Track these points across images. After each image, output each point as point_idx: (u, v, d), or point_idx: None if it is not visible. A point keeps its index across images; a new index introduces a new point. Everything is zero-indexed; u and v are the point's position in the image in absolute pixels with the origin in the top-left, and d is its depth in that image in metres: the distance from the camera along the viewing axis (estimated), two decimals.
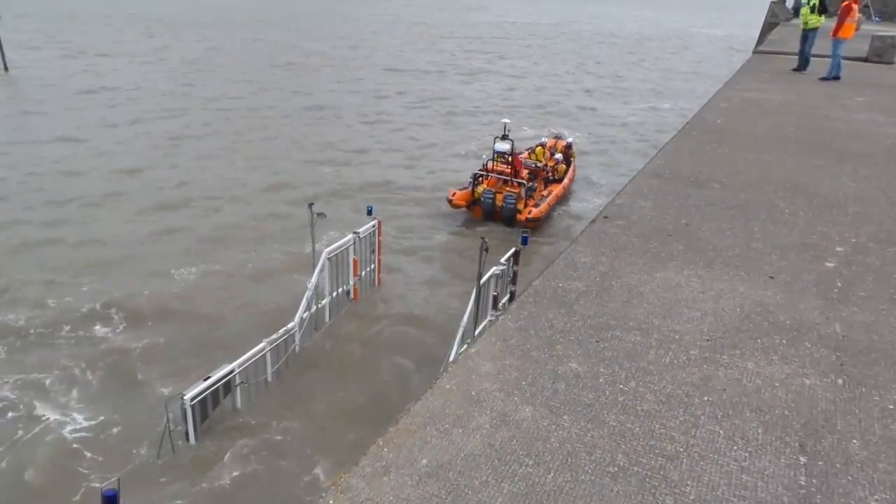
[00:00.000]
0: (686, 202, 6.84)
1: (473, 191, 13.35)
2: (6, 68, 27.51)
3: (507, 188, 13.30)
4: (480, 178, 13.47)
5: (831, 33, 15.29)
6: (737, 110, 11.77)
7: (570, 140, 16.98)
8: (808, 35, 15.90)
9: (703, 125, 10.60)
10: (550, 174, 14.76)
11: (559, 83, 32.11)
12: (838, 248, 5.79)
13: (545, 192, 13.88)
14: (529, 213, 12.63)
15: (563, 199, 14.57)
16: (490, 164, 13.52)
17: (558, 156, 15.42)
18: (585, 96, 29.07)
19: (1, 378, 7.88)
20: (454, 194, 13.20)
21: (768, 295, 4.89)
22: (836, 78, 15.18)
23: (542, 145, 15.82)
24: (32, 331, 8.86)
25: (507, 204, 12.76)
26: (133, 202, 13.87)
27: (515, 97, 28.21)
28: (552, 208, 13.57)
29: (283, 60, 35.13)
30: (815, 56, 16.31)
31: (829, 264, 5.47)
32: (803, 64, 16.28)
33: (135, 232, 12.30)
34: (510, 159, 13.22)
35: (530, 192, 13.37)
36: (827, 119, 11.18)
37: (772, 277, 5.18)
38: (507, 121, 13.77)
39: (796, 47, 16.70)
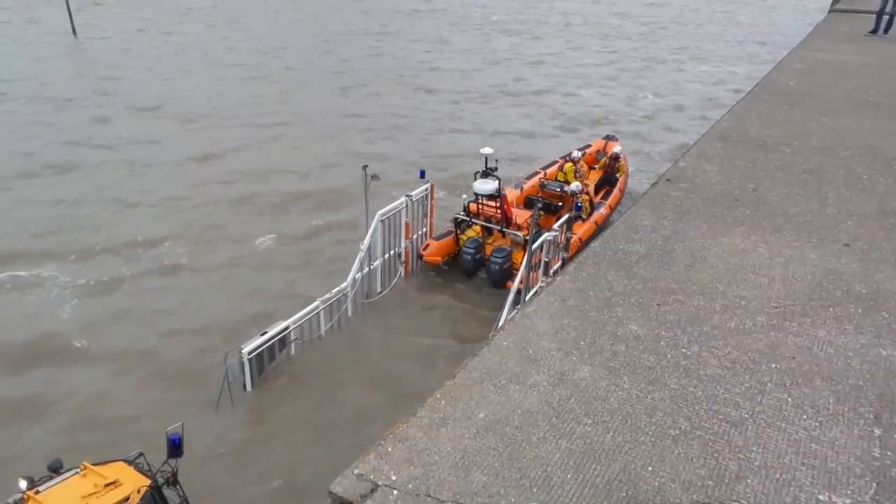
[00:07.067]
0: (754, 166, 6.52)
1: (457, 239, 9.78)
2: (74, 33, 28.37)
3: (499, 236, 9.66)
4: (465, 224, 9.86)
5: None
6: (811, 72, 11.08)
7: (618, 149, 12.09)
8: None
9: (773, 87, 10.04)
10: (577, 210, 9.78)
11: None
12: None
13: (562, 239, 9.03)
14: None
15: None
16: (473, 206, 9.65)
17: (576, 186, 10.24)
18: None
19: None
20: (427, 247, 9.62)
21: (843, 263, 4.64)
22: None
23: (573, 160, 11.38)
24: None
25: (495, 263, 8.97)
26: None
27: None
28: (566, 262, 8.85)
29: None
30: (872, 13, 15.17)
31: None
32: (887, 26, 15.06)
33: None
34: (498, 203, 9.35)
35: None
36: None
37: (847, 245, 4.91)
38: (488, 151, 9.18)
39: (877, 5, 15.51)
